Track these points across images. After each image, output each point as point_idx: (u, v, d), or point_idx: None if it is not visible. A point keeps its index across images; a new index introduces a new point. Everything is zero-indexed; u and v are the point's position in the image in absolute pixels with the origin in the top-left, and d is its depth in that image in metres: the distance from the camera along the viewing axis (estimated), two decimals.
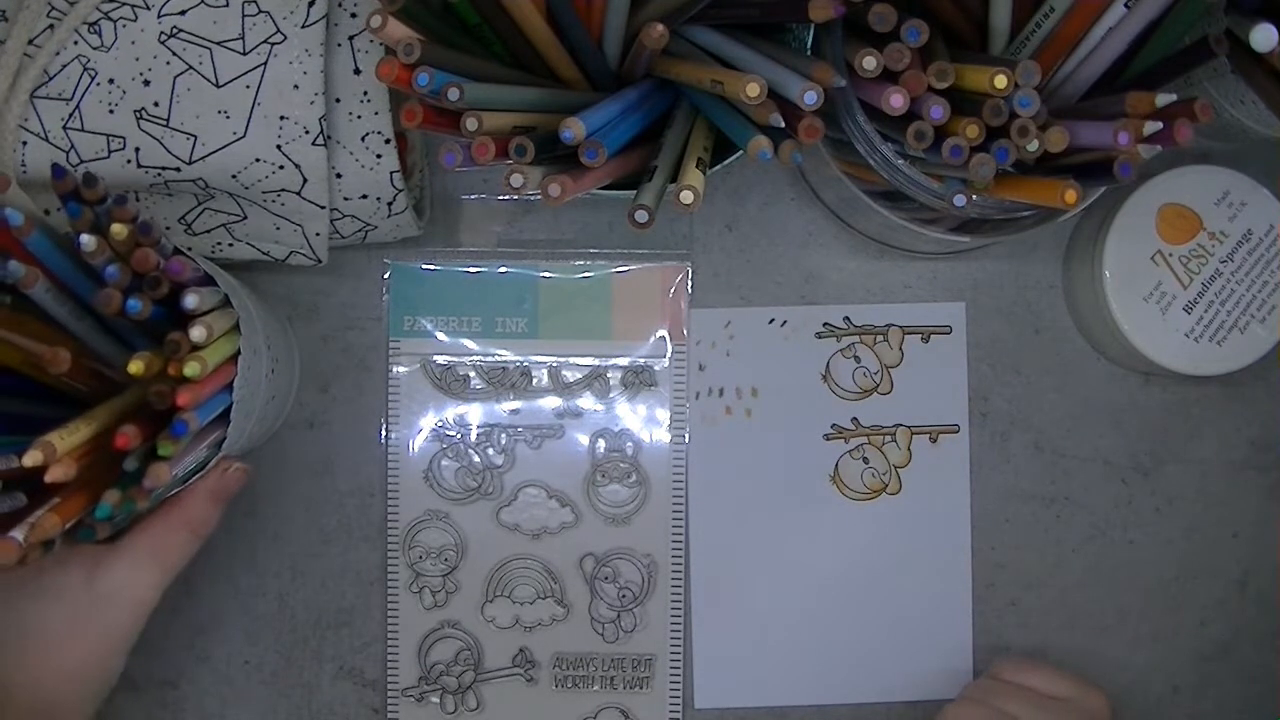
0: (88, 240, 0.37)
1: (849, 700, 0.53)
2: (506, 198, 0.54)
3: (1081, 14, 0.41)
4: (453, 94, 0.38)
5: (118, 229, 0.38)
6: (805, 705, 0.53)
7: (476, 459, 0.53)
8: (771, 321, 0.54)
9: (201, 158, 0.44)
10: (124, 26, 0.43)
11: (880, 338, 0.54)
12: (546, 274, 0.53)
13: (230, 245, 0.48)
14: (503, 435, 0.53)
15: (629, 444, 0.53)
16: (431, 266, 0.53)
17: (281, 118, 0.43)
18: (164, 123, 0.43)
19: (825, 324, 0.54)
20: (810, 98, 0.37)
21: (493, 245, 0.54)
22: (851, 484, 0.54)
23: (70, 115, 0.43)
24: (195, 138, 0.43)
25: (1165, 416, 0.54)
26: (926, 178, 0.43)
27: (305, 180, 0.45)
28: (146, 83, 0.43)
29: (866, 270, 0.54)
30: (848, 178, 0.46)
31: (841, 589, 0.53)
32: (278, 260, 0.49)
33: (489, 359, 0.53)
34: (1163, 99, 0.39)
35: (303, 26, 0.43)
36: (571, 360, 0.53)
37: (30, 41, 0.43)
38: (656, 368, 0.53)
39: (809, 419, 0.54)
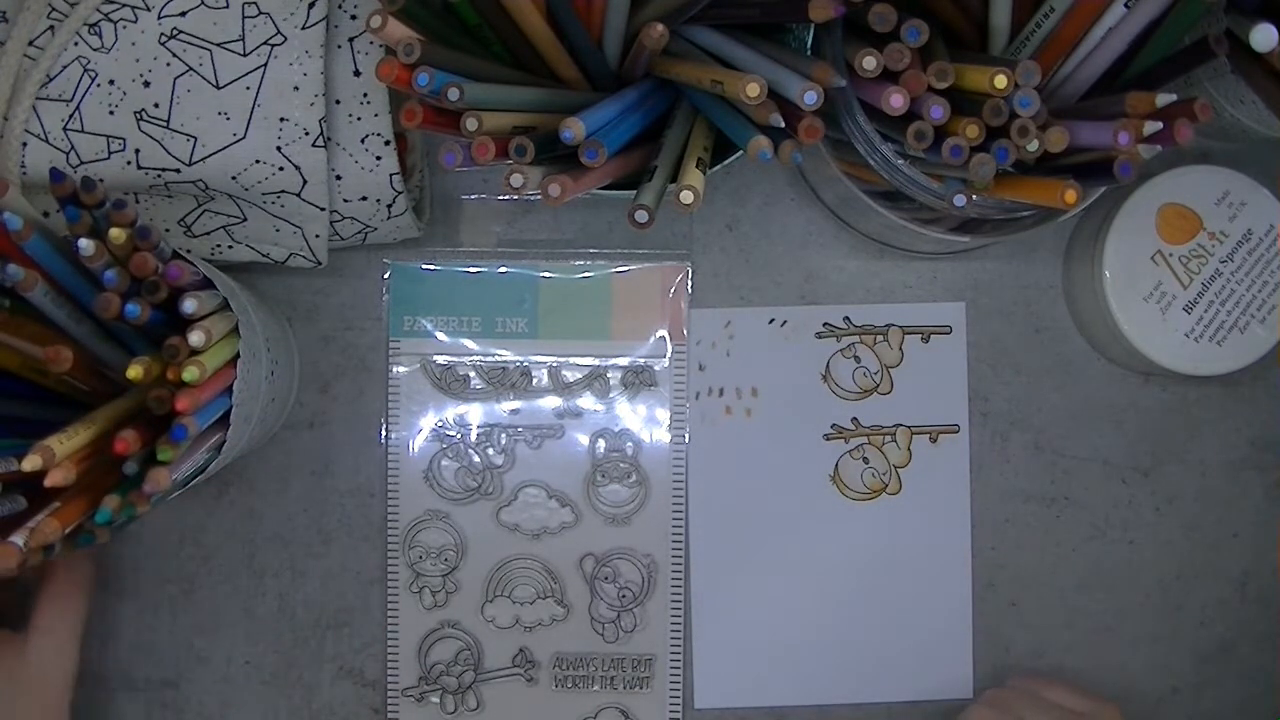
0: (86, 244, 0.37)
1: (849, 700, 0.53)
2: (506, 198, 0.54)
3: (1081, 14, 0.41)
4: (453, 94, 0.38)
5: (116, 233, 0.38)
6: (805, 705, 0.53)
7: (476, 459, 0.53)
8: (771, 321, 0.54)
9: (201, 159, 0.44)
10: (124, 28, 0.43)
11: (880, 338, 0.54)
12: (546, 274, 0.53)
13: (230, 247, 0.48)
14: (503, 435, 0.53)
15: (629, 444, 0.53)
16: (431, 266, 0.53)
17: (281, 119, 0.43)
18: (164, 124, 0.43)
19: (825, 324, 0.54)
20: (810, 98, 0.37)
21: (493, 245, 0.54)
22: (851, 484, 0.54)
23: (70, 116, 0.43)
24: (195, 139, 0.43)
25: (1165, 416, 0.54)
26: (926, 178, 0.43)
27: (305, 182, 0.45)
28: (147, 84, 0.43)
29: (866, 270, 0.54)
30: (848, 178, 0.46)
31: (841, 589, 0.53)
32: (277, 262, 0.49)
33: (489, 359, 0.53)
34: (1163, 99, 0.39)
35: (303, 28, 0.43)
36: (571, 360, 0.53)
37: (31, 43, 0.43)
38: (656, 368, 0.53)
39: (809, 419, 0.54)
